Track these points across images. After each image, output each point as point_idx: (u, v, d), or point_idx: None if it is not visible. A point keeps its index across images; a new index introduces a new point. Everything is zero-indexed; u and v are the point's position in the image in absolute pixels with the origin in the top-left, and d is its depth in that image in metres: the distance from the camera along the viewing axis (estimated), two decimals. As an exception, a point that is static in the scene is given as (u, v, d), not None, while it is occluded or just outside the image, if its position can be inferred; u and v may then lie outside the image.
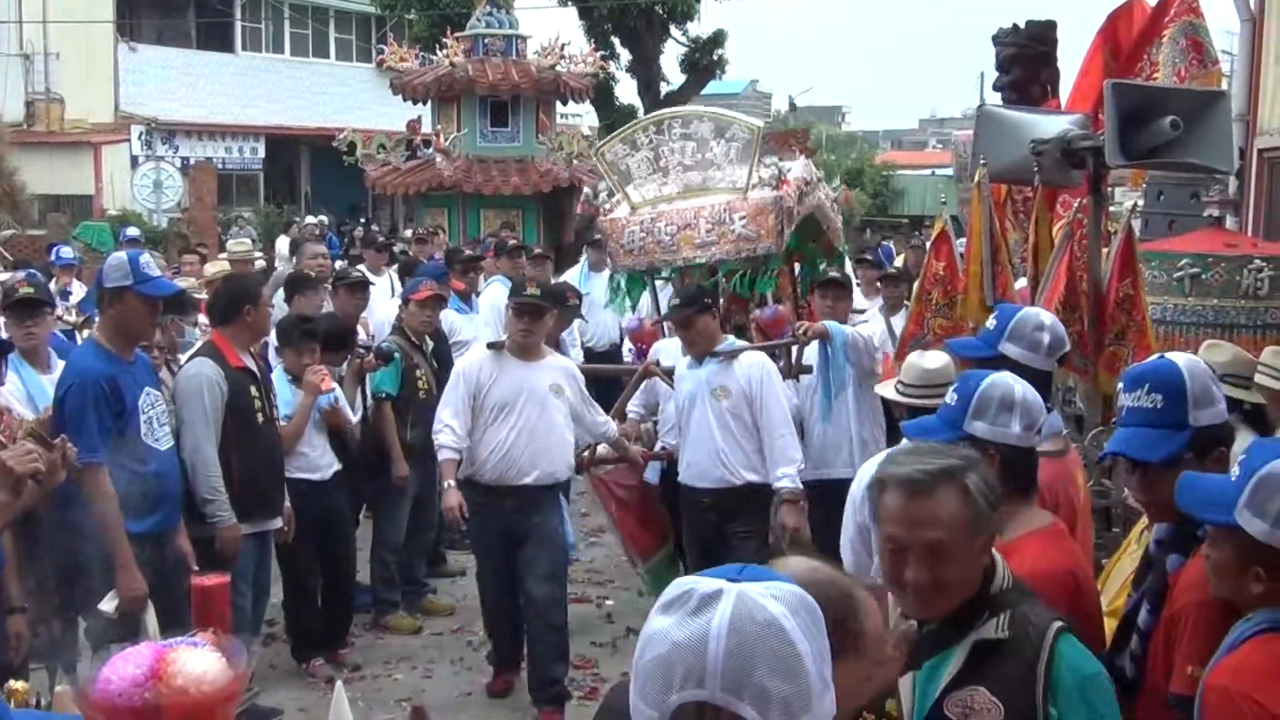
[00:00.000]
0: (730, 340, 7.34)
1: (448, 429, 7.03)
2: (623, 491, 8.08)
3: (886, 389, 5.39)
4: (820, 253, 9.80)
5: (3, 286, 8.74)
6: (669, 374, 7.83)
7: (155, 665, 2.67)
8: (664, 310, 8.76)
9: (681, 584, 1.68)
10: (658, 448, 8.22)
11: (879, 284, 11.01)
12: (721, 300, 8.60)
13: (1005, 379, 3.49)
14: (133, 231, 19.18)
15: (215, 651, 2.78)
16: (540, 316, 7.08)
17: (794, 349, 7.96)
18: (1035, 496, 3.54)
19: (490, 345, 7.32)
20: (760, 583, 1.65)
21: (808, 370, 7.90)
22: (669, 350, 8.15)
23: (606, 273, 11.66)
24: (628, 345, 10.53)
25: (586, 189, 9.34)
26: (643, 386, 8.31)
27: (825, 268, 9.46)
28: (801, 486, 7.07)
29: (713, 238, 8.23)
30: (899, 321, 9.11)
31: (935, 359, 5.17)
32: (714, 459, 7.05)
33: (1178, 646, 3.13)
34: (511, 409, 6.97)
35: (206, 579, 3.38)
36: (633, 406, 8.40)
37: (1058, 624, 2.84)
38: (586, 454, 7.84)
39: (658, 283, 9.18)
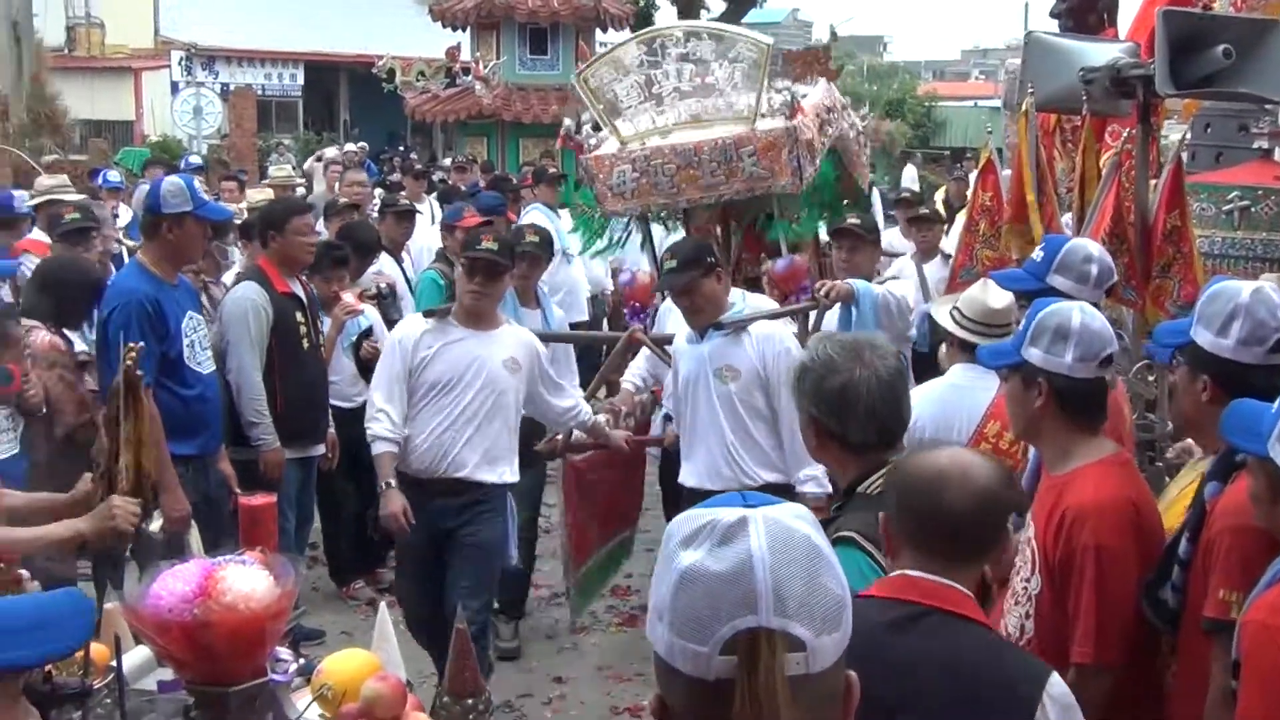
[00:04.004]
0: (737, 308, 5.96)
1: (382, 415, 5.86)
2: (594, 476, 6.95)
3: (942, 314, 5.27)
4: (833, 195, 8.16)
5: (48, 215, 8.84)
6: (660, 344, 6.61)
7: (204, 582, 2.71)
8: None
9: (695, 517, 1.64)
10: (656, 425, 7.11)
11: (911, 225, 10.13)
12: (734, 247, 7.83)
13: (1067, 308, 3.48)
14: (195, 159, 19.21)
15: (263, 570, 2.81)
16: (497, 275, 5.87)
17: (813, 313, 6.66)
18: (1099, 428, 3.54)
19: (429, 313, 6.13)
20: (774, 506, 1.64)
21: None
22: (676, 319, 6.43)
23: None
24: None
25: (567, 120, 8.27)
26: (644, 353, 6.99)
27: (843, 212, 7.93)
28: (829, 491, 5.36)
29: (719, 176, 7.11)
30: (933, 270, 8.82)
31: (1000, 298, 4.97)
32: (724, 455, 5.80)
33: (1212, 572, 3.13)
34: (452, 387, 5.84)
35: (254, 498, 3.41)
36: (632, 375, 7.10)
37: (846, 534, 2.98)
38: (561, 438, 6.70)
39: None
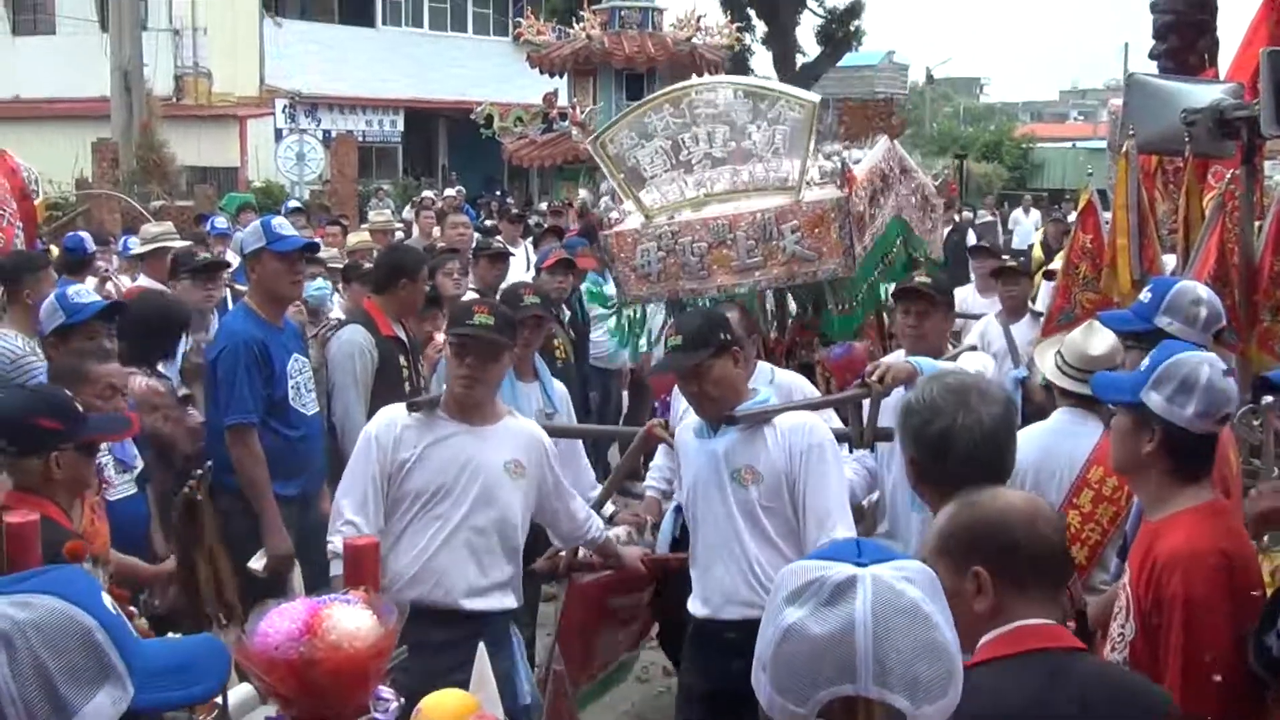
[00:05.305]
0: (762, 396, 4.87)
1: (349, 527, 4.69)
2: (606, 601, 5.67)
3: (1046, 361, 5.19)
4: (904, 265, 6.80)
5: (174, 255, 9.10)
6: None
7: (310, 620, 2.75)
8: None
9: (804, 570, 1.63)
10: (665, 524, 5.77)
11: (995, 279, 8.85)
12: (786, 328, 6.99)
13: (1197, 359, 3.40)
14: (294, 203, 19.60)
15: (367, 609, 2.85)
16: (494, 357, 4.76)
17: (866, 403, 5.26)
18: (1202, 480, 3.47)
19: (413, 405, 4.93)
20: (886, 564, 1.62)
21: (887, 435, 5.05)
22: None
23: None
24: None
25: (583, 192, 6.30)
26: (662, 449, 5.86)
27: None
28: None
29: (756, 258, 6.10)
30: (1021, 330, 8.23)
31: (1101, 343, 4.90)
32: (744, 575, 4.69)
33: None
34: (443, 497, 4.73)
35: (357, 539, 3.45)
36: (654, 478, 6.00)
37: None
38: (565, 554, 5.46)
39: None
